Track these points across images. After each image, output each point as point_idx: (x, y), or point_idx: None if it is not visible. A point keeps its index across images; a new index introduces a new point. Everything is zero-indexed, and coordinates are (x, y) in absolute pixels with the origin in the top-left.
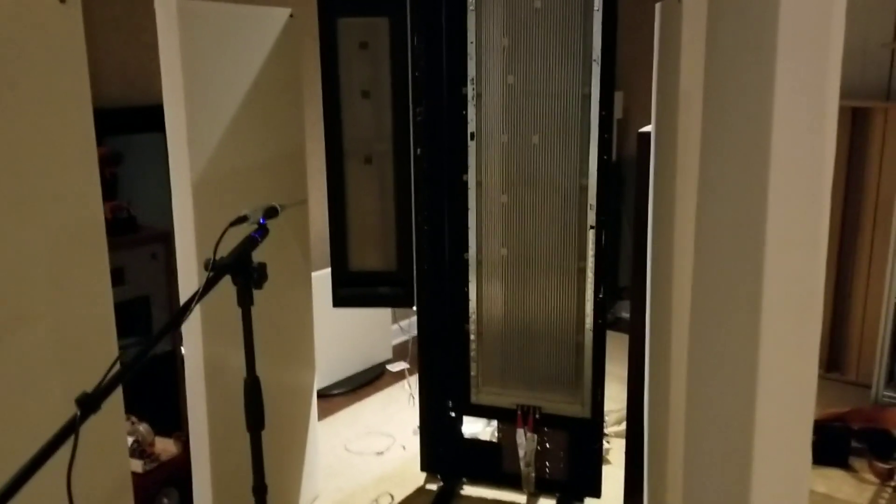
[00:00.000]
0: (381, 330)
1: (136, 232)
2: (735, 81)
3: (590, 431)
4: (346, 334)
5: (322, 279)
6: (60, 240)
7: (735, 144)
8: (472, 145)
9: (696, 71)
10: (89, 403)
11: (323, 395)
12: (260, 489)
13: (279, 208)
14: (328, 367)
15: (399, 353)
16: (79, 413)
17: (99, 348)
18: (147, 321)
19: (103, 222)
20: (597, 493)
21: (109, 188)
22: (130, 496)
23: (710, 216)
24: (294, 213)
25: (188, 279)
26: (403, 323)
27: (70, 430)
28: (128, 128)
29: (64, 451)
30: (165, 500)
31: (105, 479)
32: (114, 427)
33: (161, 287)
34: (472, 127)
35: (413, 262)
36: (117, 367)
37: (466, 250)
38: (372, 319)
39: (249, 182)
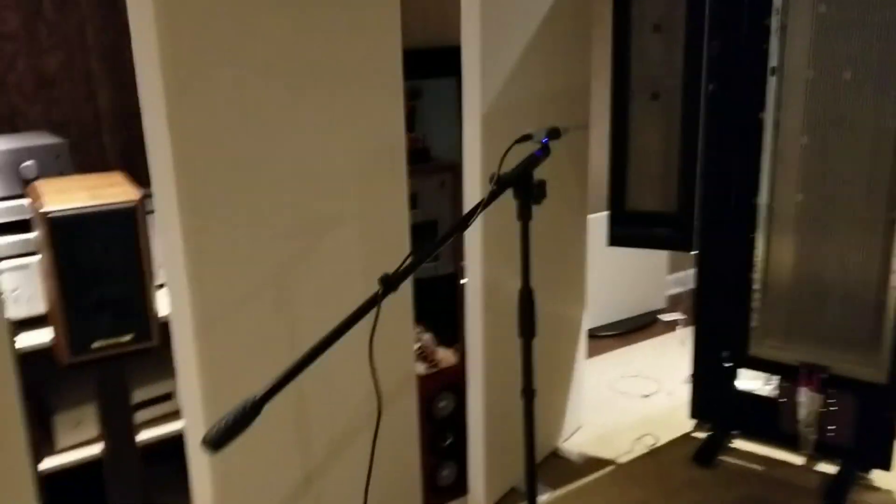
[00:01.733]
0: (657, 278)
1: (429, 162)
2: None
3: (884, 398)
4: (620, 279)
5: (596, 223)
6: (369, 158)
7: None
8: (771, 81)
9: None
10: (390, 282)
11: (592, 335)
12: (528, 392)
13: (562, 130)
14: (599, 309)
15: (673, 304)
16: (381, 290)
17: (395, 251)
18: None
19: (405, 147)
20: (886, 466)
21: (408, 121)
22: (415, 391)
23: None
24: (574, 147)
25: (473, 203)
26: (680, 275)
27: (373, 303)
28: (423, 72)
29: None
30: (443, 402)
31: (395, 373)
32: (404, 329)
33: (447, 213)
34: (773, 61)
35: (696, 205)
36: (411, 259)
37: (756, 195)
38: (647, 266)
39: (534, 115)
